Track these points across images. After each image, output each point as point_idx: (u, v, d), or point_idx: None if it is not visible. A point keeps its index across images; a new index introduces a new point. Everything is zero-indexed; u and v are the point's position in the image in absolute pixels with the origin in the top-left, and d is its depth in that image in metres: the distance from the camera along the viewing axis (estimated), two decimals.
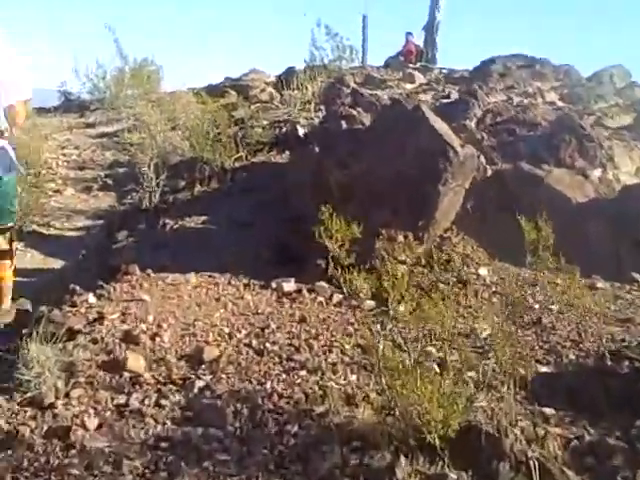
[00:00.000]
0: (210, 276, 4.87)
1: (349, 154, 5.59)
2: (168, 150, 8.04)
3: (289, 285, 4.68)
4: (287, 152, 7.76)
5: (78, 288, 4.49)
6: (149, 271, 4.83)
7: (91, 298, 4.30)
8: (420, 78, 13.03)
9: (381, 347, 2.83)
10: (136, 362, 3.35)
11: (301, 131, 8.13)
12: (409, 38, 16.36)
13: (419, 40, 16.24)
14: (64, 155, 10.43)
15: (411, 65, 15.54)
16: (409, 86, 12.34)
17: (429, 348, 3.45)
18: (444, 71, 14.31)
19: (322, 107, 8.99)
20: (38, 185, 7.92)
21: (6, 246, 4.15)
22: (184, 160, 8.25)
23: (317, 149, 6.09)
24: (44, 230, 6.96)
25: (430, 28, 16.11)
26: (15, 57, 3.92)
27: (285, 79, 16.01)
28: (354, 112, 6.64)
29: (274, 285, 4.70)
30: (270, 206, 6.20)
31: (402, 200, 5.03)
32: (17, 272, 4.48)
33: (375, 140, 5.57)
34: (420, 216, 5.08)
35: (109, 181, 8.50)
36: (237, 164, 7.55)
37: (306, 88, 9.63)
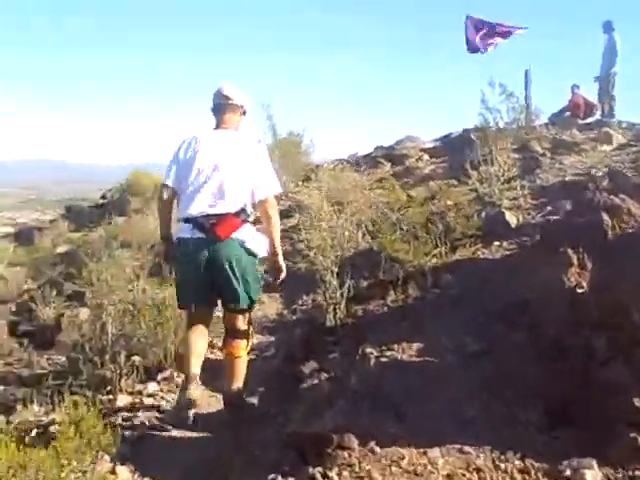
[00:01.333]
0: (461, 451, 3.35)
1: None
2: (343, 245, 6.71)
3: (593, 474, 3.07)
4: (497, 244, 6.26)
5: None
6: (372, 444, 3.39)
7: None
8: (618, 137, 11.37)
9: None
10: None
11: (512, 220, 6.62)
12: (575, 91, 14.70)
13: (588, 93, 14.59)
14: None
15: (580, 121, 13.98)
16: (606, 148, 10.69)
17: None
18: (624, 126, 12.60)
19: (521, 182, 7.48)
20: None
21: (244, 326, 4.34)
22: (359, 252, 6.92)
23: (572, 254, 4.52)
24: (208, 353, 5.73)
25: (605, 78, 14.29)
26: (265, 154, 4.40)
27: (445, 145, 14.84)
28: (618, 201, 5.00)
29: (567, 473, 3.10)
30: (499, 325, 4.66)
31: None
32: None
33: None
34: None
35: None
36: (435, 262, 6.07)
37: (496, 160, 8.07)
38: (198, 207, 4.03)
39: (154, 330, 5.68)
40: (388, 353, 4.57)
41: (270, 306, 6.88)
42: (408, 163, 13.39)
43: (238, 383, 4.35)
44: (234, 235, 4.06)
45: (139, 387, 5.17)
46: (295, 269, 7.41)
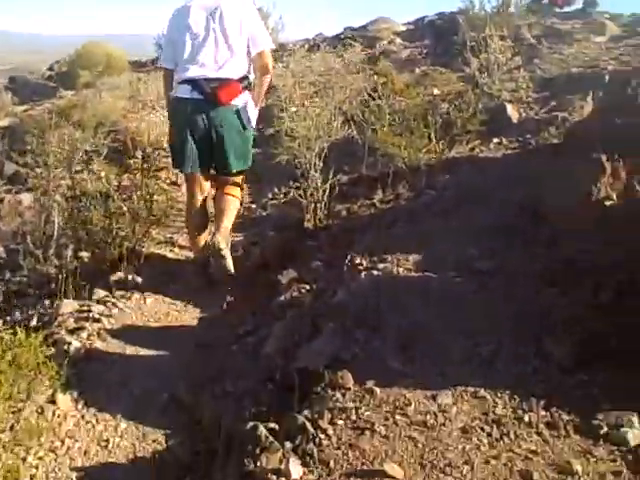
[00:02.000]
0: (476, 396, 2.79)
1: None
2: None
3: (637, 434, 2.53)
4: (497, 141, 5.59)
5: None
6: (371, 384, 2.81)
7: (291, 465, 2.31)
8: (613, 29, 10.63)
9: None
10: None
11: (513, 115, 5.92)
12: None
13: None
14: None
15: (558, 10, 13.19)
16: (600, 39, 9.97)
17: None
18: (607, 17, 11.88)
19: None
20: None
21: (238, 181, 4.49)
22: (338, 143, 6.18)
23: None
24: (167, 251, 5.09)
25: None
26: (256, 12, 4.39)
27: (419, 29, 13.99)
28: None
29: (604, 429, 2.57)
30: (509, 238, 4.07)
31: None
32: None
33: None
34: None
35: None
36: (428, 159, 5.39)
37: (491, 46, 7.24)
38: (199, 70, 4.06)
39: (107, 223, 4.95)
40: (381, 265, 3.94)
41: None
42: (380, 46, 12.52)
43: (228, 221, 4.38)
44: (233, 101, 4.13)
45: (88, 288, 4.48)
46: (268, 158, 6.70)
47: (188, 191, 4.51)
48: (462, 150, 5.52)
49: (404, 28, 14.74)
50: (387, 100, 5.69)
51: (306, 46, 13.50)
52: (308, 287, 4.02)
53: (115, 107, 9.12)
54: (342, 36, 14.32)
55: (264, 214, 5.85)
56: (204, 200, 4.45)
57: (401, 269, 3.88)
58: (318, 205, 4.95)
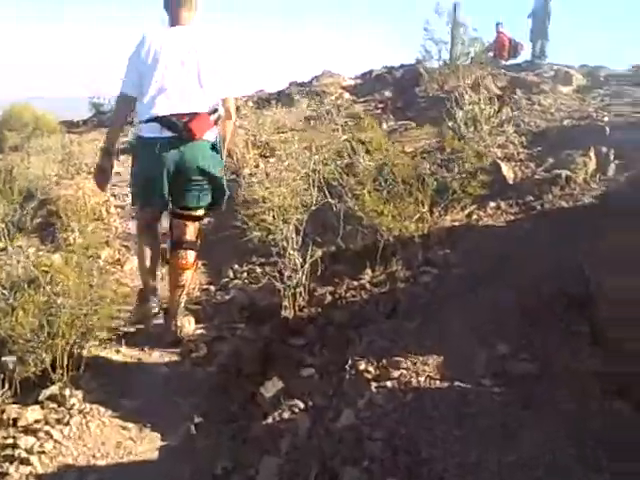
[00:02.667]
0: None
1: None
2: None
3: None
4: (494, 205, 4.91)
5: None
6: None
7: None
8: (579, 79, 10.38)
9: None
10: None
11: (509, 174, 5.26)
12: (500, 29, 13.67)
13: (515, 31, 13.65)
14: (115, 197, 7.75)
15: (503, 62, 13.15)
16: (566, 89, 9.65)
17: None
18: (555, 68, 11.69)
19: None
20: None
21: (195, 237, 4.23)
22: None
23: None
24: (113, 353, 4.19)
25: (541, 15, 13.36)
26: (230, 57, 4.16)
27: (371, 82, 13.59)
28: None
29: None
30: (544, 328, 3.33)
31: None
32: None
33: None
34: None
35: None
36: (417, 230, 4.66)
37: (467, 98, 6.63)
38: (167, 106, 3.82)
39: (36, 319, 3.96)
40: (395, 373, 3.12)
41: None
42: (328, 101, 12.05)
43: (184, 294, 4.27)
44: (206, 136, 3.93)
45: (14, 410, 3.50)
46: (220, 228, 5.91)
47: (147, 233, 4.25)
48: (458, 217, 4.79)
49: (351, 82, 14.35)
50: (371, 160, 4.96)
51: (250, 103, 12.91)
52: (302, 404, 3.15)
53: (45, 172, 8.14)
54: (287, 91, 13.85)
55: (227, 297, 4.96)
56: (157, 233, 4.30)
57: (422, 378, 3.06)
58: (298, 290, 4.11)
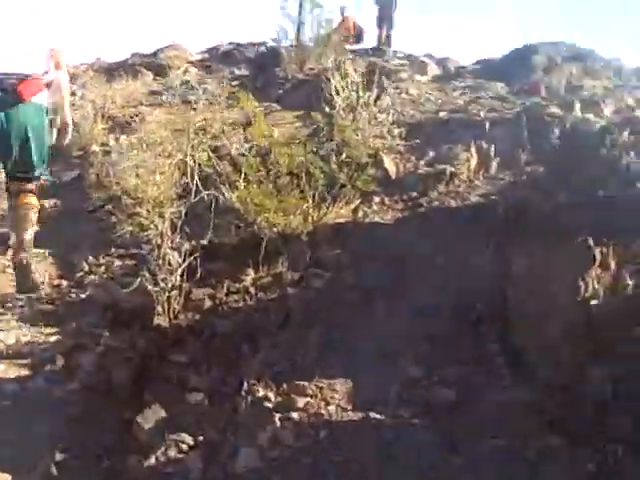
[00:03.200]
0: None
1: None
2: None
3: None
4: (378, 200, 4.66)
5: None
6: None
7: None
8: (434, 69, 10.39)
9: None
10: None
11: (392, 169, 5.02)
12: (345, 13, 13.49)
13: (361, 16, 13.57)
14: None
15: (348, 46, 13.00)
16: (423, 78, 9.60)
17: None
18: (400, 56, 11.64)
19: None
20: None
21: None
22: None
23: None
24: None
25: (387, 2, 13.28)
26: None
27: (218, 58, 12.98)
28: None
29: None
30: (455, 350, 3.12)
31: None
32: None
33: None
34: None
35: None
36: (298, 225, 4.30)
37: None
38: None
39: None
40: (300, 401, 2.74)
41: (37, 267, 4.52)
42: (172, 75, 11.38)
43: (29, 230, 4.20)
44: (35, 98, 3.93)
45: None
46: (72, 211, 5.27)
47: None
48: (343, 213, 4.46)
49: (199, 57, 13.57)
50: (253, 146, 4.50)
51: (90, 71, 11.85)
52: (190, 440, 2.69)
53: None
54: (130, 62, 12.81)
55: (82, 296, 4.33)
56: None
57: (331, 407, 2.71)
58: (173, 293, 3.61)
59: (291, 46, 10.86)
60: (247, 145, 4.69)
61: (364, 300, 3.49)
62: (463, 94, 8.23)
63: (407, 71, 9.89)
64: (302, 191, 4.12)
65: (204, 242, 4.37)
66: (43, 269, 4.59)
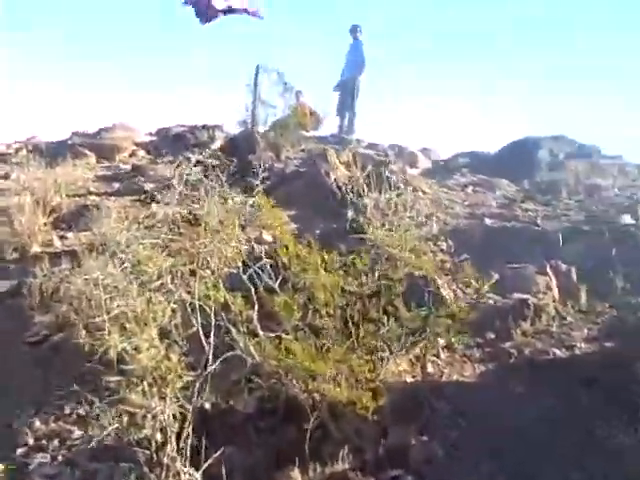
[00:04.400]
0: None
1: None
2: None
3: None
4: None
5: None
6: None
7: None
8: (423, 161, 9.51)
9: None
10: None
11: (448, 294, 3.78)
12: (300, 97, 12.80)
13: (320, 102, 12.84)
14: None
15: (305, 133, 12.23)
16: (414, 171, 8.67)
17: None
18: (365, 144, 11.10)
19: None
20: None
21: None
22: None
23: None
24: None
25: (349, 87, 12.63)
26: None
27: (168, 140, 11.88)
28: None
29: None
30: None
31: None
32: None
33: None
34: None
35: None
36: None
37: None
38: None
39: None
40: None
41: None
42: (119, 158, 10.29)
43: None
44: None
45: None
46: None
47: None
48: (405, 367, 3.13)
49: (147, 139, 12.39)
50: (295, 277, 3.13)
51: (24, 151, 10.40)
52: None
53: None
54: (70, 142, 11.46)
55: None
56: None
57: None
58: None
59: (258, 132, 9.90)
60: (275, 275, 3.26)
61: None
62: (475, 191, 7.18)
63: (396, 163, 8.88)
64: (365, 346, 2.79)
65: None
66: None
